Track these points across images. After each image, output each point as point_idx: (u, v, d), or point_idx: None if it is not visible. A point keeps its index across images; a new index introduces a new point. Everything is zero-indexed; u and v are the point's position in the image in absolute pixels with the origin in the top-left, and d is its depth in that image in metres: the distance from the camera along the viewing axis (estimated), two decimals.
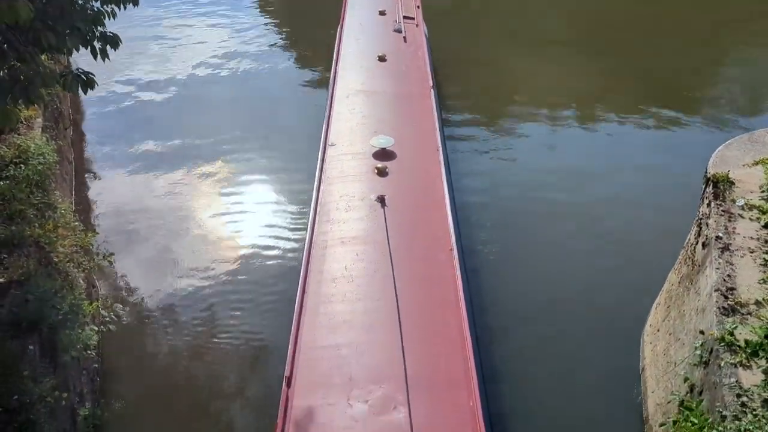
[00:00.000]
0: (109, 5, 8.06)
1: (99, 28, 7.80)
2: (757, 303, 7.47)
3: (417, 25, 17.85)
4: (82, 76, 7.77)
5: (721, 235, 8.29)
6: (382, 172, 11.52)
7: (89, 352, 9.30)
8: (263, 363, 10.41)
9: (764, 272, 7.82)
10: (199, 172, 15.00)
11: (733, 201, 8.78)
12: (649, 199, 13.54)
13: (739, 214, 8.59)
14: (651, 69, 19.16)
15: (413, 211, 10.86)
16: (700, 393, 7.38)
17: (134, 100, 18.25)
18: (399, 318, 8.79)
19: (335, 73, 15.37)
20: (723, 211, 8.64)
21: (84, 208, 13.62)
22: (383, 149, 12.05)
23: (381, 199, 10.84)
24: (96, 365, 9.93)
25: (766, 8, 23.28)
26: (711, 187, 9.04)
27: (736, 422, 6.39)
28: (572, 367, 10.01)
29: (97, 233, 11.91)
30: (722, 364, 6.89)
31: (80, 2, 7.73)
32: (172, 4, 24.75)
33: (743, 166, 9.39)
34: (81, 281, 9.82)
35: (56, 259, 9.24)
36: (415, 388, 7.86)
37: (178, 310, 11.34)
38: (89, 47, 7.76)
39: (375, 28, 17.66)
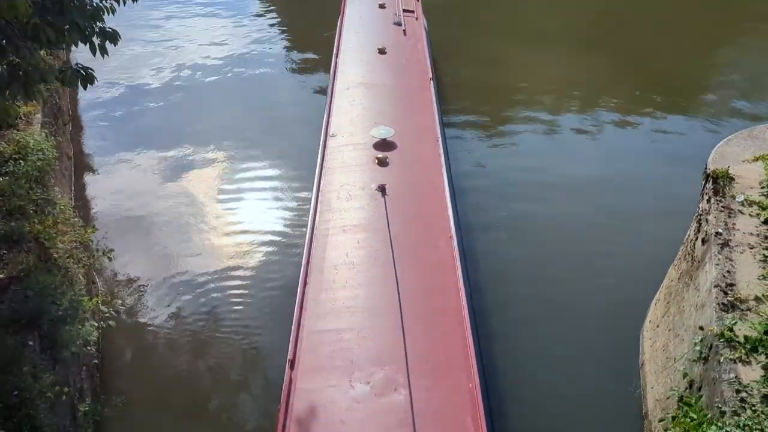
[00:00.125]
0: (108, 1, 8.04)
1: (98, 23, 7.78)
2: (757, 299, 7.48)
3: (417, 19, 17.98)
4: (82, 71, 7.76)
5: (720, 231, 8.29)
6: (382, 162, 11.67)
7: (89, 347, 9.29)
8: (264, 357, 10.43)
9: (764, 268, 7.82)
10: (199, 167, 15.00)
11: (733, 197, 8.77)
12: (649, 195, 13.55)
13: (738, 210, 8.59)
14: (651, 64, 19.14)
15: (413, 199, 11.05)
16: (700, 389, 7.40)
17: (133, 95, 18.21)
18: (399, 303, 8.99)
19: (335, 65, 15.49)
20: (723, 207, 8.64)
21: (83, 204, 13.62)
22: (383, 140, 12.19)
23: (381, 188, 11.00)
24: (96, 361, 9.93)
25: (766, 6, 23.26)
26: (711, 183, 9.03)
27: (735, 418, 6.41)
28: (571, 362, 10.01)
29: (97, 229, 11.86)
30: (721, 360, 6.90)
31: None
32: (171, 0, 24.71)
33: (743, 162, 9.39)
34: (81, 277, 9.81)
35: (56, 255, 9.22)
36: (416, 371, 8.06)
37: (178, 305, 11.35)
38: (88, 43, 7.74)
39: (375, 21, 17.79)
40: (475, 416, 7.48)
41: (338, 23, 17.93)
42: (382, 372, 8.06)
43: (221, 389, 9.95)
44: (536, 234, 12.57)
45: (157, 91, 18.43)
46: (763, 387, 6.59)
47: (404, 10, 17.95)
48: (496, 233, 12.58)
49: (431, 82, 14.69)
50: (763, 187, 8.89)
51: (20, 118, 11.18)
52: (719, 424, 6.49)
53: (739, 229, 8.33)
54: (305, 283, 9.39)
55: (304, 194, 13.47)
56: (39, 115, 12.09)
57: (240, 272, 12.05)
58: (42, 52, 7.78)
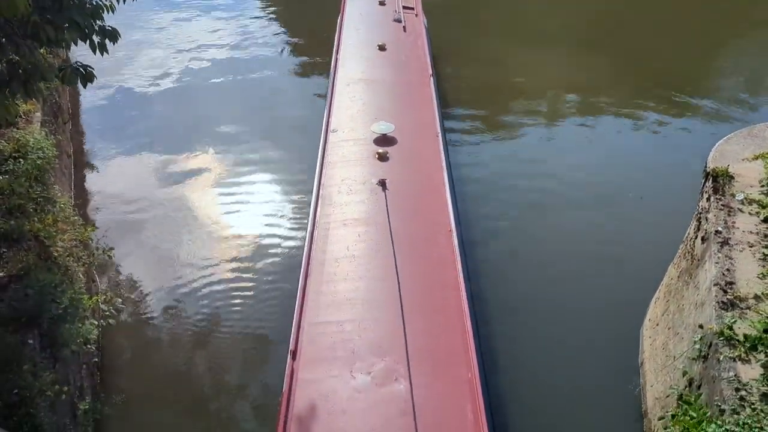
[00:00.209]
0: None
1: (98, 21, 7.78)
2: (756, 297, 7.48)
3: (416, 15, 18.09)
4: (81, 69, 7.75)
5: (720, 229, 8.29)
6: (382, 157, 11.77)
7: (89, 346, 9.29)
8: (264, 356, 10.43)
9: (763, 266, 7.82)
10: (199, 165, 15.00)
11: (733, 195, 8.77)
12: (649, 193, 13.56)
13: (738, 209, 8.59)
14: (651, 63, 19.13)
15: (413, 194, 11.15)
16: (699, 387, 7.40)
17: (134, 94, 18.21)
18: (400, 295, 9.10)
19: (336, 62, 15.59)
20: (722, 205, 8.64)
21: (83, 202, 13.62)
22: (384, 135, 12.28)
23: (382, 183, 11.09)
24: (96, 359, 9.94)
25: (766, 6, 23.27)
26: (710, 181, 9.03)
27: (735, 416, 6.41)
28: (571, 361, 10.01)
29: (97, 227, 11.89)
30: (721, 359, 6.90)
31: None
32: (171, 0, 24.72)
33: (743, 160, 9.39)
34: (81, 275, 9.81)
35: (56, 254, 9.22)
36: (416, 361, 8.17)
37: (179, 304, 11.35)
38: (88, 41, 7.74)
39: (375, 18, 17.89)
40: (475, 405, 7.61)
41: (338, 20, 18.00)
42: (382, 362, 8.17)
43: (221, 387, 9.96)
44: (535, 233, 12.57)
45: (157, 90, 18.42)
46: (763, 385, 6.60)
47: (404, 7, 18.05)
48: (495, 232, 12.58)
49: (431, 78, 14.79)
50: (762, 186, 8.89)
51: (20, 116, 11.19)
52: (719, 422, 6.49)
53: (738, 228, 8.33)
54: (307, 276, 9.50)
55: (304, 191, 13.47)
56: (39, 114, 12.09)
57: (240, 270, 12.04)
58: (42, 51, 7.78)
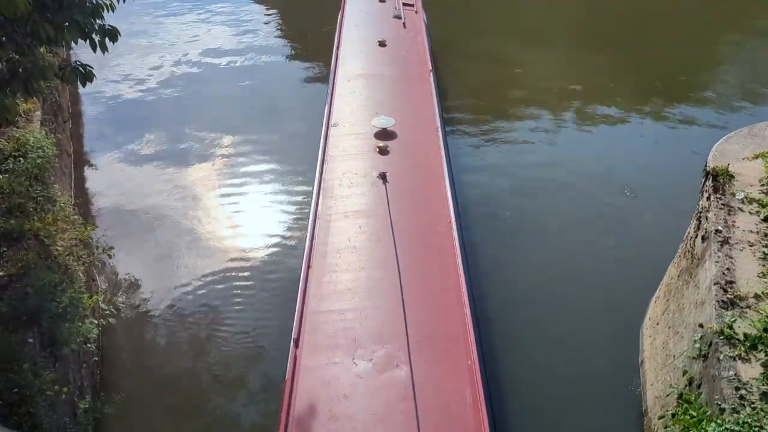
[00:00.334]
0: None
1: (98, 20, 7.77)
2: (757, 296, 7.47)
3: (416, 12, 18.26)
4: (81, 69, 7.74)
5: (720, 228, 8.28)
6: (383, 151, 11.95)
7: (89, 345, 9.29)
8: (265, 354, 10.41)
9: (764, 266, 7.82)
10: (199, 164, 15.01)
11: (733, 194, 8.77)
12: (649, 192, 13.55)
13: (738, 208, 8.58)
14: (651, 62, 19.13)
15: (414, 186, 11.33)
16: (699, 386, 7.40)
17: (134, 92, 18.21)
18: (401, 285, 9.29)
19: (336, 58, 15.76)
20: (722, 204, 8.63)
21: (83, 201, 13.61)
22: (384, 129, 12.47)
23: (382, 176, 11.27)
24: (96, 358, 9.94)
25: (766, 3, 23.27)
26: (710, 180, 9.03)
27: (735, 415, 6.41)
28: (571, 359, 10.01)
29: (97, 226, 11.89)
30: (721, 358, 6.90)
31: None
32: None
33: (743, 159, 9.38)
34: (81, 274, 9.80)
35: (56, 253, 9.22)
36: (417, 348, 8.36)
37: (179, 302, 11.34)
38: (88, 40, 7.72)
39: (375, 14, 18.09)
40: (474, 391, 7.78)
41: (339, 17, 18.15)
42: (383, 349, 8.35)
43: (221, 386, 9.94)
44: (535, 232, 12.56)
45: (157, 89, 18.41)
46: (763, 384, 6.60)
47: (404, 4, 18.22)
48: (494, 231, 12.56)
49: (431, 73, 14.94)
50: (763, 185, 8.88)
51: (20, 115, 11.18)
52: (719, 421, 6.49)
53: (738, 227, 8.32)
54: (309, 267, 9.68)
55: (304, 188, 13.50)
56: (39, 113, 12.08)
57: (241, 268, 12.03)
58: (42, 49, 7.77)
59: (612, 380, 9.72)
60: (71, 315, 8.39)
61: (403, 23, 17.40)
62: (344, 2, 18.81)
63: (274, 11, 23.83)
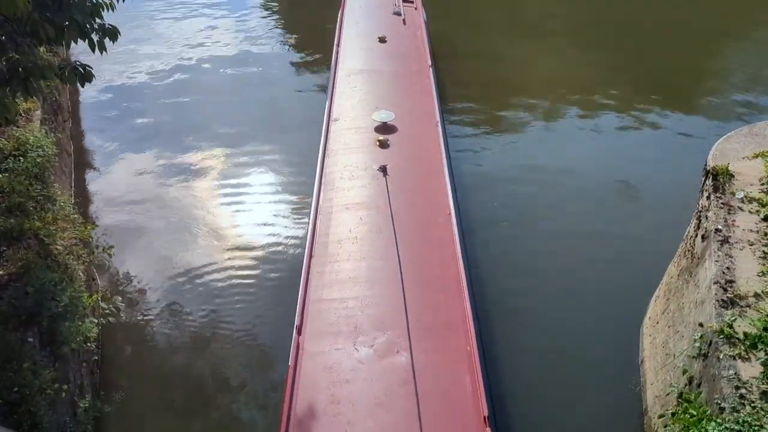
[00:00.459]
0: None
1: (97, 20, 7.76)
2: (756, 295, 7.47)
3: (416, 9, 18.50)
4: (80, 69, 7.76)
5: (720, 227, 8.28)
6: (383, 144, 12.16)
7: (89, 344, 9.29)
8: (265, 354, 10.42)
9: (763, 265, 7.81)
10: (199, 162, 15.01)
11: (733, 193, 8.76)
12: (649, 191, 13.55)
13: (738, 207, 8.58)
14: (652, 61, 19.13)
15: (414, 179, 11.53)
16: (699, 385, 7.40)
17: (134, 92, 18.20)
18: (401, 274, 9.49)
19: (337, 54, 15.96)
20: (722, 203, 8.63)
21: (83, 200, 13.60)
22: (384, 123, 12.66)
23: (383, 169, 11.47)
24: (96, 357, 9.95)
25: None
26: (710, 179, 9.03)
27: (735, 414, 6.41)
28: (571, 358, 10.01)
29: (97, 225, 11.90)
30: (721, 357, 6.90)
31: None
32: None
33: (743, 158, 9.38)
34: (80, 274, 9.81)
35: (56, 252, 9.22)
36: (417, 335, 8.57)
37: (178, 301, 11.34)
38: (87, 40, 7.72)
39: (375, 11, 18.35)
40: (473, 376, 7.97)
41: (339, 14, 18.33)
42: (384, 336, 8.55)
43: (221, 385, 9.95)
44: (534, 231, 12.56)
45: (157, 88, 18.41)
46: (763, 384, 6.60)
47: (403, 1, 18.42)
48: (493, 231, 12.55)
49: (430, 69, 15.14)
50: (762, 184, 8.88)
51: (20, 114, 11.19)
52: (718, 420, 6.49)
53: (738, 226, 8.32)
54: (310, 257, 9.88)
55: (305, 186, 13.45)
56: (39, 112, 12.08)
57: (240, 268, 12.03)
58: (42, 49, 7.77)
59: (612, 379, 9.71)
60: (71, 314, 8.39)
61: (403, 20, 17.62)
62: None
63: (274, 10, 23.83)
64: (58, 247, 9.35)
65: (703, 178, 9.30)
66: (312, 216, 10.75)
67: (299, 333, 8.68)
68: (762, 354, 6.84)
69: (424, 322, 8.78)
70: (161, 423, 9.46)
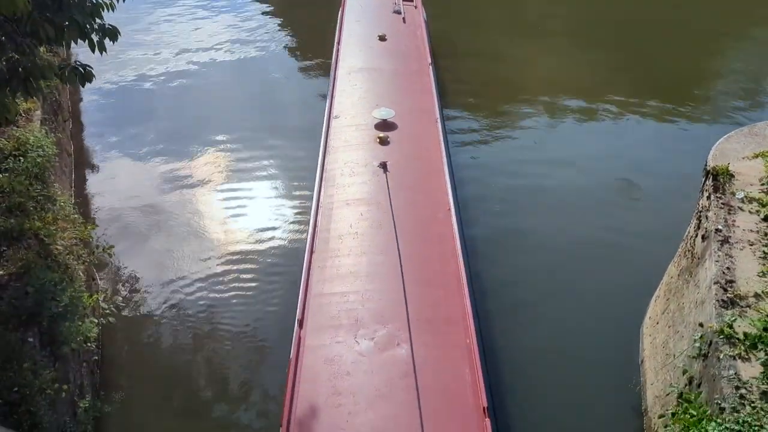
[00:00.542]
0: None
1: (97, 20, 7.76)
2: (756, 296, 7.47)
3: (416, 7, 18.63)
4: (80, 69, 7.76)
5: (720, 227, 8.28)
6: (383, 141, 12.28)
7: (89, 344, 9.30)
8: (265, 353, 10.42)
9: (764, 265, 7.82)
10: (199, 162, 15.00)
11: (733, 193, 8.76)
12: (649, 191, 13.54)
13: (738, 207, 8.58)
14: (652, 61, 19.12)
15: (414, 175, 11.65)
16: (699, 385, 7.40)
17: (134, 92, 18.19)
18: (401, 268, 9.60)
19: (337, 52, 16.08)
20: (723, 203, 8.63)
21: (83, 200, 13.61)
22: (384, 120, 12.79)
23: (383, 165, 11.58)
24: (96, 357, 9.94)
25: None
26: (711, 179, 9.03)
27: (735, 414, 6.41)
28: (571, 358, 10.01)
29: (97, 225, 11.89)
30: (721, 357, 6.90)
31: None
32: None
33: (743, 158, 9.38)
34: (81, 274, 9.81)
35: (56, 252, 9.22)
36: (417, 328, 8.68)
37: (179, 301, 11.34)
38: (87, 40, 7.72)
39: (375, 10, 18.47)
40: (473, 369, 8.07)
41: (339, 12, 18.43)
42: (385, 329, 8.67)
43: (221, 385, 9.94)
44: (534, 231, 12.55)
45: (157, 88, 18.39)
46: (763, 384, 6.60)
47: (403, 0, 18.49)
48: (493, 228, 12.56)
49: (430, 67, 15.25)
50: (763, 184, 8.88)
51: (20, 114, 11.18)
52: (718, 420, 6.49)
53: (738, 226, 8.32)
54: (312, 252, 9.99)
55: (305, 184, 13.46)
56: (39, 112, 12.08)
57: (240, 267, 12.02)
58: (42, 49, 7.76)
59: (612, 379, 9.71)
60: (71, 314, 8.40)
61: (403, 18, 17.75)
62: None
63: (274, 9, 23.79)
64: (58, 247, 9.35)
65: (704, 178, 9.30)
66: (313, 212, 10.85)
67: (301, 326, 8.77)
68: (762, 354, 6.85)
69: (423, 316, 8.88)
70: (161, 423, 9.45)
